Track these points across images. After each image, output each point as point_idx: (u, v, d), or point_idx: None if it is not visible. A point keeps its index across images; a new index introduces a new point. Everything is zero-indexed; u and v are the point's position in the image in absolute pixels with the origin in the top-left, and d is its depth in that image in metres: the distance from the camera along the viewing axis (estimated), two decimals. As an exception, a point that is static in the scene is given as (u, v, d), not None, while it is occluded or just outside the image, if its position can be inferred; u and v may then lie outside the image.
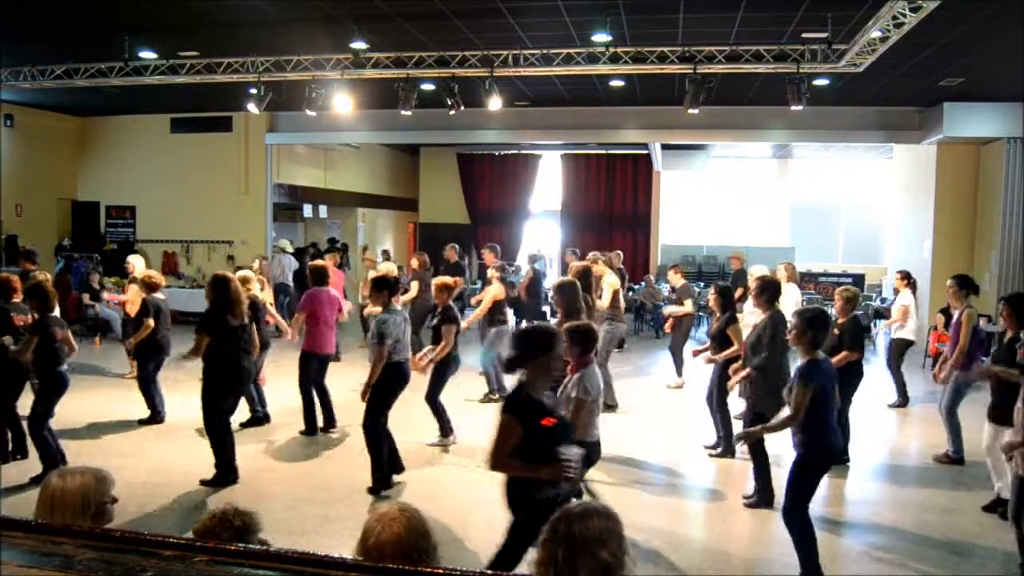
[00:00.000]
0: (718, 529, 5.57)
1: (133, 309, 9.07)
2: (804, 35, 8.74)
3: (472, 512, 5.71)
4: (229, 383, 6.11)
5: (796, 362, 4.61)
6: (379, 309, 6.18)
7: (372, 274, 11.99)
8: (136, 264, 9.58)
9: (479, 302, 9.14)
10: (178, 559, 1.09)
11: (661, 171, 19.10)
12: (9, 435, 6.50)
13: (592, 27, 8.61)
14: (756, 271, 8.35)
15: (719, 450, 7.00)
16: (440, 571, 1.35)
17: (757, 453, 5.75)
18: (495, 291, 8.92)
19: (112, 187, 15.76)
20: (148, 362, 7.90)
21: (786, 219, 20.30)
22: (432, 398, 7.14)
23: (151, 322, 7.70)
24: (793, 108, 9.43)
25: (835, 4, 7.68)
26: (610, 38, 8.71)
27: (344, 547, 5.04)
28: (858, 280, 16.48)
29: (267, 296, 8.89)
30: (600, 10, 8.07)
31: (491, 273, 9.34)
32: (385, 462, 6.00)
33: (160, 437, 7.37)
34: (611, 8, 7.96)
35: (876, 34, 8.04)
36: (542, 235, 20.85)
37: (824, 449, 4.40)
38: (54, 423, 6.24)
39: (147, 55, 10.29)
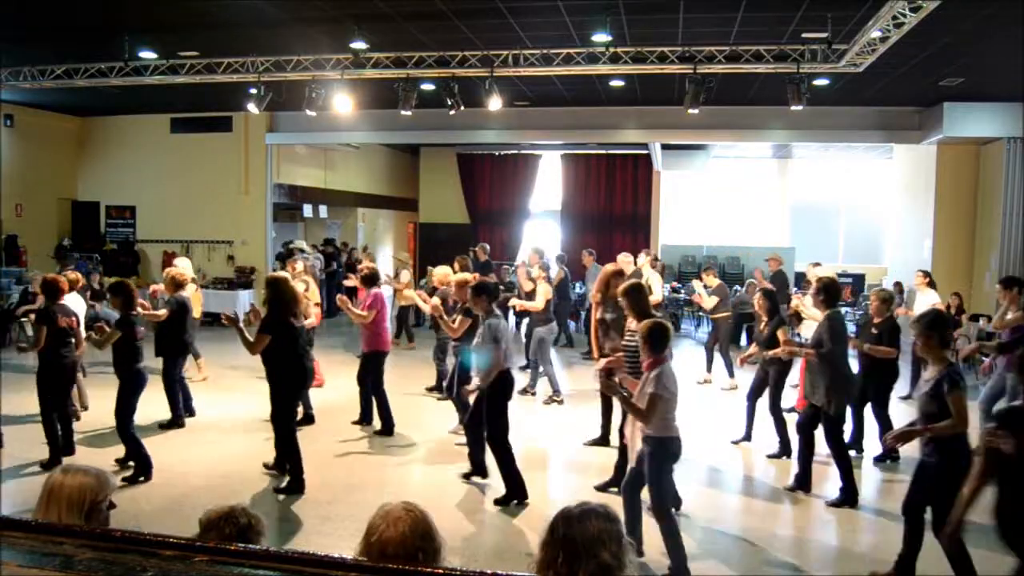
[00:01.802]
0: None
1: (196, 310, 9.15)
2: (804, 35, 8.74)
3: (475, 512, 5.71)
4: (295, 383, 6.08)
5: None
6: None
7: (405, 275, 12.00)
8: (181, 266, 9.54)
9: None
10: (178, 559, 1.09)
11: (661, 171, 19.09)
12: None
13: (592, 27, 8.60)
14: (818, 271, 8.51)
15: (776, 451, 7.12)
16: (440, 571, 1.35)
17: (842, 453, 5.90)
18: (545, 291, 9.12)
19: (112, 187, 15.75)
20: (176, 361, 7.81)
21: (786, 219, 20.29)
22: (456, 388, 7.24)
23: (162, 313, 7.65)
24: (793, 108, 9.42)
25: (835, 4, 7.67)
26: (610, 38, 8.70)
27: (344, 547, 5.04)
28: (858, 280, 16.50)
29: (313, 295, 8.87)
30: (600, 10, 8.07)
31: (538, 273, 9.44)
32: (516, 471, 5.79)
33: (160, 437, 7.37)
34: (611, 8, 7.96)
35: (876, 34, 8.04)
36: (542, 235, 20.82)
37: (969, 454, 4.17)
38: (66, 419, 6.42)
39: (147, 55, 10.29)
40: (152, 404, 8.03)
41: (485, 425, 5.82)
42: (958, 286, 11.84)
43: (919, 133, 12.93)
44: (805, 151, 18.69)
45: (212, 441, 7.22)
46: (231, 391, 9.22)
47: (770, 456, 7.14)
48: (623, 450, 5.74)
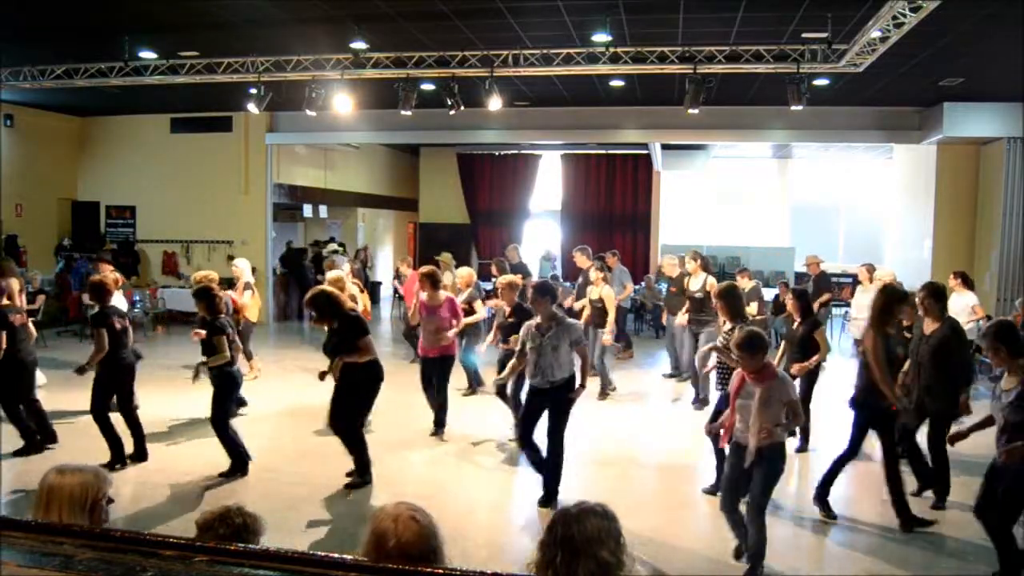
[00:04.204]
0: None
1: (253, 313, 9.13)
2: (804, 35, 8.73)
3: (473, 512, 5.71)
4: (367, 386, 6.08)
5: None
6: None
7: (447, 276, 11.79)
8: (243, 267, 9.55)
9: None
10: (178, 559, 1.09)
11: (661, 171, 19.09)
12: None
13: (592, 27, 8.60)
14: (883, 275, 8.34)
15: (800, 445, 7.15)
16: (440, 571, 1.35)
17: (941, 456, 5.74)
18: (611, 292, 9.04)
19: (112, 187, 15.75)
20: None
21: (786, 219, 20.29)
22: (514, 394, 7.22)
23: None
24: (793, 108, 9.41)
25: (835, 4, 7.67)
26: (610, 38, 8.70)
27: (344, 547, 5.04)
28: (858, 280, 16.45)
29: (364, 300, 8.69)
30: (600, 10, 8.07)
31: (595, 276, 9.22)
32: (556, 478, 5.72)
33: (161, 437, 7.37)
34: (611, 8, 7.96)
35: (876, 34, 8.03)
36: (543, 235, 20.83)
37: None
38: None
39: (147, 55, 10.29)
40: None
41: (553, 423, 5.69)
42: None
43: (919, 133, 12.93)
44: (805, 151, 18.69)
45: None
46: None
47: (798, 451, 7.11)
48: (720, 452, 5.62)
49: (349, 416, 6.07)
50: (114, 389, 6.50)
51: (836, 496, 6.38)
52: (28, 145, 14.48)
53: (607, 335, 9.10)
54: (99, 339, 6.28)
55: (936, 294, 5.87)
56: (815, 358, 6.80)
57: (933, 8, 6.93)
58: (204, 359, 6.26)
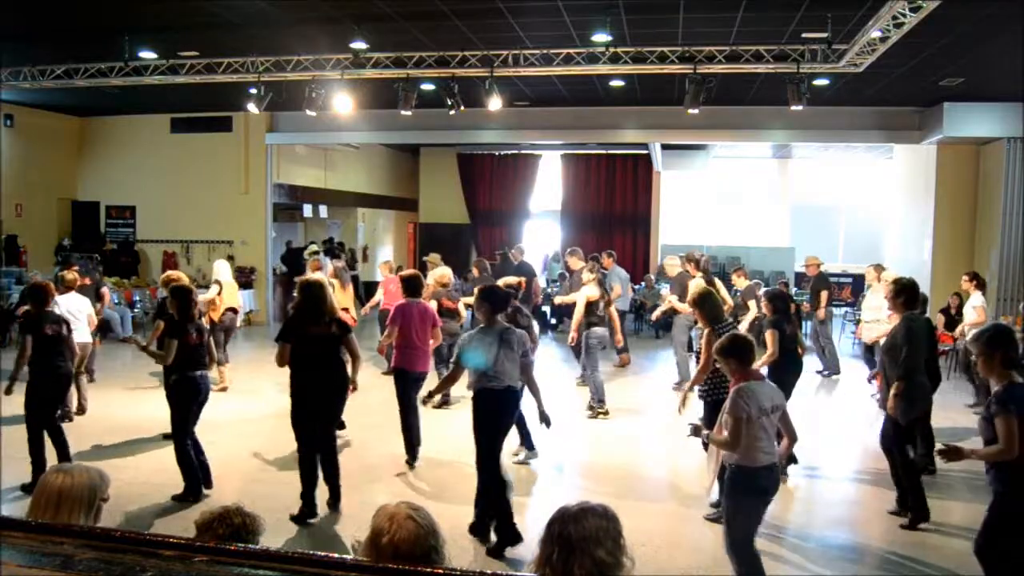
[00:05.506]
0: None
1: (216, 314, 9.08)
2: (804, 35, 8.74)
3: (470, 516, 5.70)
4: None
5: None
6: None
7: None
8: (220, 268, 9.59)
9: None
10: (178, 559, 1.10)
11: (661, 171, 19.10)
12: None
13: (592, 27, 8.60)
14: (890, 276, 8.31)
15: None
16: (440, 571, 1.35)
17: (912, 470, 5.49)
18: (589, 293, 8.45)
19: (112, 187, 15.76)
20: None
21: (786, 219, 20.29)
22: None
23: (160, 323, 7.00)
24: (793, 108, 9.41)
25: (835, 4, 7.68)
26: (610, 38, 8.71)
27: (344, 547, 5.04)
28: (858, 280, 16.49)
29: (345, 299, 8.58)
30: (600, 10, 8.07)
31: (586, 276, 8.70)
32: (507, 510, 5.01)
33: (160, 439, 7.36)
34: (611, 8, 7.96)
35: (876, 34, 8.04)
36: (543, 235, 20.83)
37: None
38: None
39: (147, 55, 10.29)
40: (137, 405, 8.07)
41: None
42: (958, 286, 11.84)
43: (919, 133, 12.93)
44: (805, 151, 18.70)
45: (212, 442, 7.20)
46: (237, 393, 9.23)
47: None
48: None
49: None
50: (42, 399, 5.97)
51: (832, 499, 6.38)
52: (28, 145, 14.48)
53: (572, 333, 8.65)
54: (22, 347, 5.86)
55: (899, 291, 5.60)
56: (763, 359, 6.23)
57: (933, 8, 6.94)
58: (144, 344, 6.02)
